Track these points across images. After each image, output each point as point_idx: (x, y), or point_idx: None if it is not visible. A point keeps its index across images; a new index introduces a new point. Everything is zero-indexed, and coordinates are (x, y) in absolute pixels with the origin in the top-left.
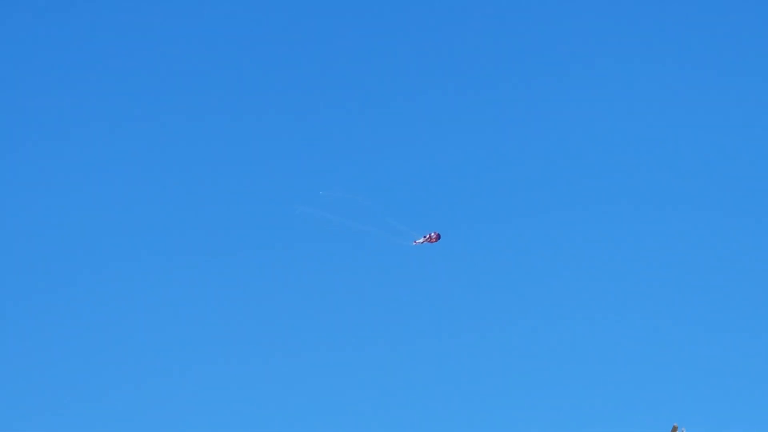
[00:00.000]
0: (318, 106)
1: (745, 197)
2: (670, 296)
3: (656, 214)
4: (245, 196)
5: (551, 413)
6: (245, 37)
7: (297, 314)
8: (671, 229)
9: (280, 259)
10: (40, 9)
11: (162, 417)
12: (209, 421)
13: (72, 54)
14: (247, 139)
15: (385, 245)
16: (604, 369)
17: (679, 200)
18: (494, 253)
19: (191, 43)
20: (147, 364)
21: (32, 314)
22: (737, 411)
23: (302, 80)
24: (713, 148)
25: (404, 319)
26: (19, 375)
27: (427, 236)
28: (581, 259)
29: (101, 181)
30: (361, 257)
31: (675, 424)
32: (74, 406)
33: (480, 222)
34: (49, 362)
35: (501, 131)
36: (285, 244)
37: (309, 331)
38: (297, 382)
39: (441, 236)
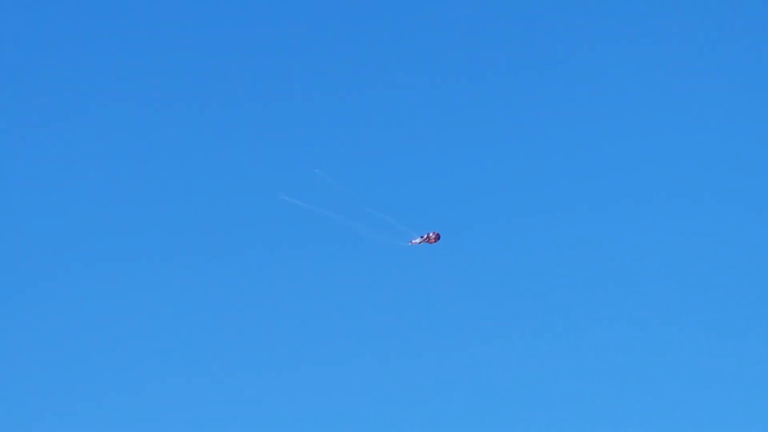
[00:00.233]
0: (313, 100)
1: (745, 197)
2: (673, 297)
3: (659, 213)
4: (238, 194)
5: (552, 415)
6: (244, 33)
7: (277, 316)
8: (674, 229)
9: (261, 258)
10: None
11: (154, 418)
12: (202, 423)
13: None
14: (240, 133)
15: (378, 245)
16: (605, 370)
17: (683, 200)
18: (494, 254)
19: (186, 37)
20: (132, 363)
21: (12, 315)
22: (738, 412)
23: (298, 74)
24: (714, 148)
25: (393, 325)
26: (13, 376)
27: (425, 236)
28: (583, 259)
29: (79, 175)
30: (351, 257)
31: None
32: (69, 407)
33: (480, 222)
34: (39, 363)
35: (501, 129)
36: (267, 242)
37: (292, 335)
38: (288, 384)
39: (441, 237)
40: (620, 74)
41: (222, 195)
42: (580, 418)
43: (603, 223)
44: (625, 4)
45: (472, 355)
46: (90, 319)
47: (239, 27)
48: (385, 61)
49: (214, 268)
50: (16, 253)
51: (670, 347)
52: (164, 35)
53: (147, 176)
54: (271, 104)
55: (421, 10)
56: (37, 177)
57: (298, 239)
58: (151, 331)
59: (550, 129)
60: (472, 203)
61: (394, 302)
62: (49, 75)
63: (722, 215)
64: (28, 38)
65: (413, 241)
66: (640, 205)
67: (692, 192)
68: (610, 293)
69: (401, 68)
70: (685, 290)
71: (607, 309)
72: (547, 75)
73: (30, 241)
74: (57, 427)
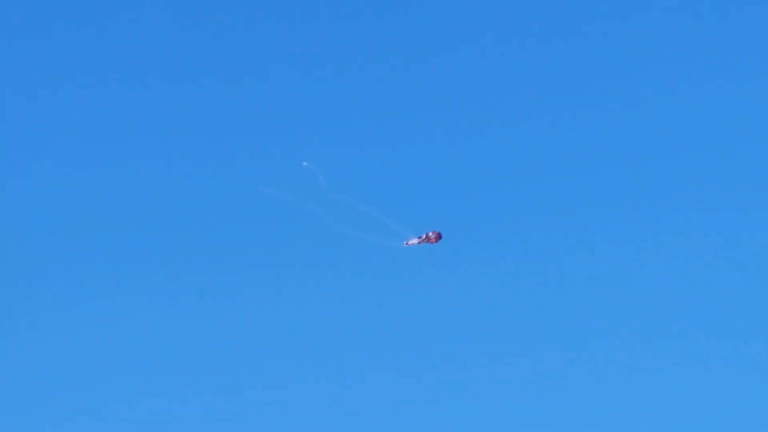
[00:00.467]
0: (305, 93)
1: (746, 197)
2: (678, 297)
3: (663, 213)
4: (224, 191)
5: (553, 415)
6: (241, 30)
7: (260, 319)
8: (678, 229)
9: (241, 258)
10: None
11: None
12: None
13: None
14: (231, 128)
15: (369, 247)
16: (607, 372)
17: (688, 200)
18: (496, 254)
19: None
20: (116, 362)
21: None
22: (740, 415)
23: (293, 67)
24: (714, 148)
25: (383, 333)
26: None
27: (424, 236)
28: (586, 259)
29: (62, 173)
30: (338, 260)
31: None
32: (60, 407)
33: (481, 222)
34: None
35: (499, 127)
36: (250, 241)
37: (277, 339)
38: (278, 389)
39: (442, 236)
40: (622, 73)
41: (208, 193)
42: (581, 419)
43: (607, 223)
44: (625, 5)
45: (473, 361)
46: (73, 319)
47: (236, 23)
48: (385, 57)
49: (199, 268)
50: None
51: (674, 348)
52: (163, 34)
53: (133, 172)
54: (265, 98)
55: (424, 6)
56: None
57: (284, 239)
58: (139, 330)
59: (553, 126)
60: (472, 202)
61: (386, 309)
62: (18, 70)
63: (724, 215)
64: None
65: (409, 242)
66: (646, 203)
67: (700, 192)
68: (614, 294)
69: (400, 64)
70: (691, 291)
71: (611, 309)
72: (549, 73)
73: (7, 241)
74: (50, 428)
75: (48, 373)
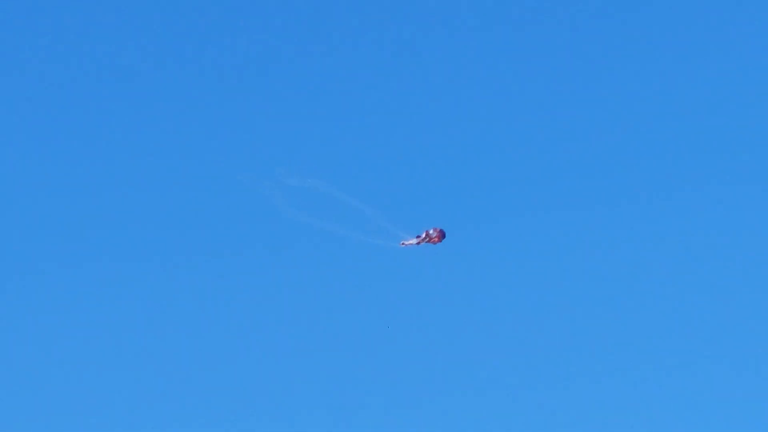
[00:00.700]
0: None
1: (747, 197)
2: (684, 298)
3: (668, 213)
4: (205, 190)
5: (555, 417)
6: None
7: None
8: (685, 229)
9: (219, 260)
10: None
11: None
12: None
13: None
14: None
15: (360, 247)
16: (612, 374)
17: (695, 200)
18: (497, 257)
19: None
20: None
21: None
22: (742, 417)
23: (288, 59)
24: (716, 148)
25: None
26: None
27: (424, 235)
28: (587, 262)
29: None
30: (326, 262)
31: None
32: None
33: (482, 222)
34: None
35: (502, 126)
36: (228, 242)
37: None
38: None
39: (446, 235)
40: (625, 71)
41: (191, 192)
42: (583, 420)
43: (612, 223)
44: (625, 5)
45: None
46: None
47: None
48: (385, 52)
49: (181, 272)
50: None
51: (681, 349)
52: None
53: (118, 169)
54: (263, 97)
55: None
56: None
57: (259, 238)
58: (118, 332)
59: (558, 124)
60: (473, 201)
61: (377, 314)
62: None
63: (725, 216)
64: None
65: (406, 242)
66: (653, 202)
67: (707, 192)
68: (619, 294)
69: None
70: (698, 292)
71: (615, 310)
72: (553, 71)
73: None
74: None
75: (26, 377)
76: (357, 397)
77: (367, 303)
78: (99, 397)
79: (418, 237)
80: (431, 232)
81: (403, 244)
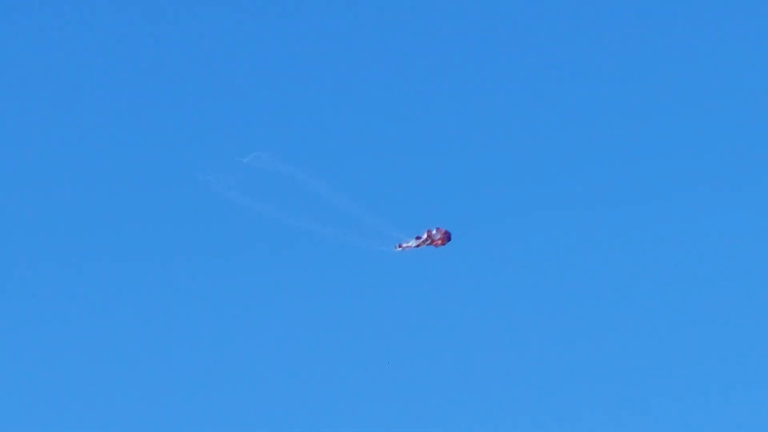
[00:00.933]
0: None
1: (747, 197)
2: (691, 298)
3: (674, 213)
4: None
5: (558, 418)
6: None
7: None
8: (692, 229)
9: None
10: None
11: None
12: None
13: None
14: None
15: (349, 251)
16: (614, 376)
17: (703, 200)
18: (511, 262)
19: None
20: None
21: None
22: (741, 415)
23: (290, 60)
24: (717, 147)
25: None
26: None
27: (425, 236)
28: (590, 262)
29: None
30: (313, 266)
31: None
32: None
33: (491, 221)
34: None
35: (503, 125)
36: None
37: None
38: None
39: (451, 237)
40: (629, 70)
41: (188, 193)
42: (586, 422)
43: (617, 223)
44: (625, 5)
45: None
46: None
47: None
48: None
49: (160, 276)
50: None
51: (687, 349)
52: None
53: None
54: (261, 94)
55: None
56: None
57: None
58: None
59: (562, 123)
60: (476, 197)
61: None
62: None
63: (727, 216)
64: None
65: (404, 245)
66: (660, 201)
67: (715, 192)
68: (625, 296)
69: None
70: (705, 292)
71: (620, 312)
72: (552, 70)
73: None
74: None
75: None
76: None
77: (357, 317)
78: (78, 399)
79: (417, 238)
80: (434, 232)
81: (400, 247)
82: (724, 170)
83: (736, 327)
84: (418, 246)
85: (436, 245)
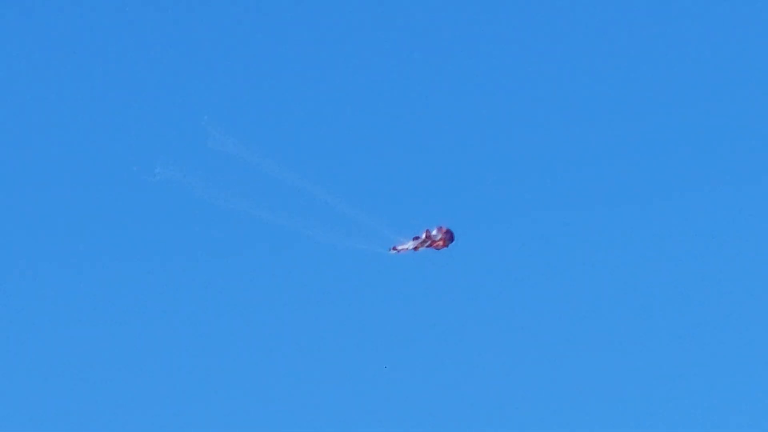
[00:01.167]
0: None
1: (747, 197)
2: (708, 299)
3: (678, 213)
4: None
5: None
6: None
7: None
8: (699, 229)
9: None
10: None
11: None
12: None
13: None
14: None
15: (337, 253)
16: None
17: (704, 200)
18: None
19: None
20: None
21: None
22: (740, 413)
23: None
24: (717, 147)
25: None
26: None
27: (423, 237)
28: (591, 264)
29: None
30: (300, 269)
31: None
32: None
33: (491, 223)
34: None
35: (504, 124)
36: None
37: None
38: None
39: (454, 237)
40: (629, 70)
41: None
42: (587, 423)
43: (621, 223)
44: (625, 5)
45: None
46: None
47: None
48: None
49: (160, 277)
50: None
51: (691, 350)
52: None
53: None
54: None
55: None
56: None
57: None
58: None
59: (564, 121)
60: (478, 196)
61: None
62: None
63: (728, 216)
64: None
65: (400, 247)
66: (663, 201)
67: (723, 192)
68: (626, 296)
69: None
70: (711, 293)
71: (625, 313)
72: (554, 69)
73: None
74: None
75: None
76: None
77: (346, 327)
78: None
79: (416, 239)
80: (434, 233)
81: (395, 249)
82: (724, 170)
83: (736, 327)
84: (416, 248)
85: (437, 247)
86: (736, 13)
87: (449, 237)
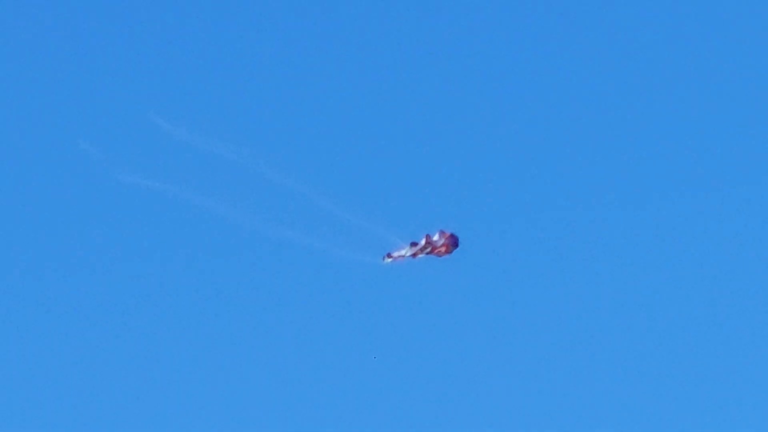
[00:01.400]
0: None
1: (747, 197)
2: (712, 299)
3: (680, 213)
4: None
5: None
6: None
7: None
8: (702, 229)
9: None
10: None
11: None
12: None
13: None
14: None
15: (325, 261)
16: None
17: (706, 200)
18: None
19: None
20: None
21: None
22: (740, 413)
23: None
24: (717, 147)
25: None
26: None
27: (423, 243)
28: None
29: None
30: (285, 279)
31: None
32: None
33: (495, 223)
34: None
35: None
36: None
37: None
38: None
39: (458, 243)
40: (629, 70)
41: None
42: (590, 426)
43: (622, 223)
44: (625, 5)
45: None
46: None
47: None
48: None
49: (161, 277)
50: None
51: (695, 350)
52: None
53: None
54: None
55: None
56: None
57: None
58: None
59: (564, 124)
60: (480, 197)
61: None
62: None
63: (728, 216)
64: None
65: (395, 254)
66: (664, 201)
67: (728, 192)
68: (628, 296)
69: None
70: (716, 293)
71: (624, 312)
72: (559, 67)
73: None
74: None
75: None
76: None
77: (334, 341)
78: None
79: (413, 245)
80: (435, 238)
81: (389, 257)
82: (724, 170)
83: (737, 327)
84: (414, 255)
85: (438, 254)
86: (736, 13)
87: (453, 242)
